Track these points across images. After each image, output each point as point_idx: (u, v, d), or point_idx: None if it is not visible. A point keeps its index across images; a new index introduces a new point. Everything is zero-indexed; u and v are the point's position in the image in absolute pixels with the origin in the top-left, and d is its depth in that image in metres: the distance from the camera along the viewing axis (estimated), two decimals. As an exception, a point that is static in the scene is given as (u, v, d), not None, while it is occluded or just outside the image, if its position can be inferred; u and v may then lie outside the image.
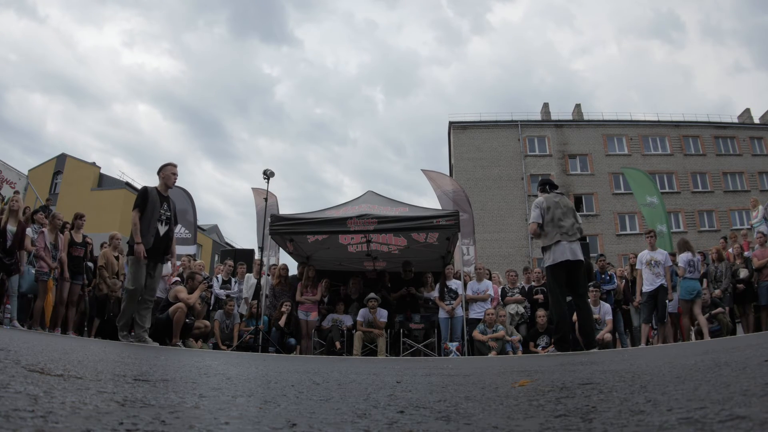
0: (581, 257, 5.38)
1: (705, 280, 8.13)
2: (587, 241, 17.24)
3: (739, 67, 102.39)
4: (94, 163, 31.90)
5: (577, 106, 35.42)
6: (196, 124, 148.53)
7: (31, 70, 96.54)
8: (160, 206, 5.76)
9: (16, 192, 10.40)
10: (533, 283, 8.59)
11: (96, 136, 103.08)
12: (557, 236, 5.33)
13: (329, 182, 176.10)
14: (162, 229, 5.75)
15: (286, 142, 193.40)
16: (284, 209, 10.05)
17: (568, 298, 5.62)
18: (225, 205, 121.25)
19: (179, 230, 11.75)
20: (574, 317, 5.81)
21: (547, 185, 5.82)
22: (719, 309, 7.58)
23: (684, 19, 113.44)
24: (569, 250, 5.30)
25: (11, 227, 6.42)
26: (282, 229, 8.12)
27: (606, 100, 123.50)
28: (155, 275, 5.82)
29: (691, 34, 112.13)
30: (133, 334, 5.72)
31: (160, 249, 5.77)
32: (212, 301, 8.68)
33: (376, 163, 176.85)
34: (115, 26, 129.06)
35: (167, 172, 5.90)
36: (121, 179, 30.25)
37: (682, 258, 7.32)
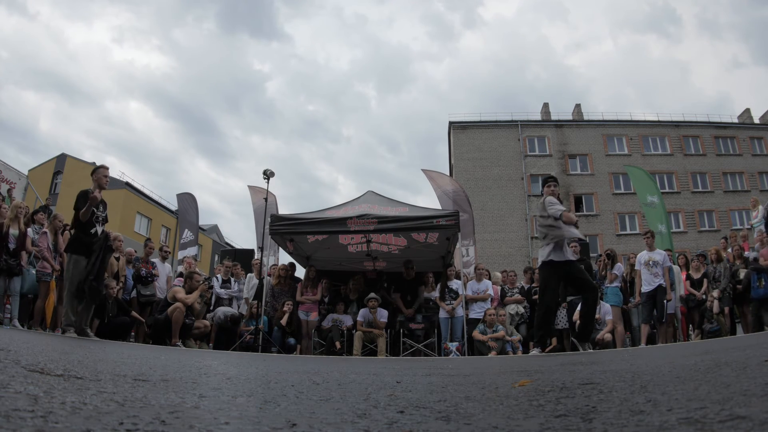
0: (563, 258, 5.43)
1: (705, 281, 8.13)
2: (587, 240, 17.22)
3: (737, 62, 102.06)
4: (94, 163, 31.88)
5: (577, 106, 35.42)
6: (189, 122, 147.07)
7: (23, 67, 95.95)
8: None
9: (10, 189, 10.38)
10: (533, 284, 8.58)
11: (89, 134, 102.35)
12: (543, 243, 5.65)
13: (324, 180, 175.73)
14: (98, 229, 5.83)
15: (279, 140, 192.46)
16: (280, 208, 10.10)
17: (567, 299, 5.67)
18: (220, 204, 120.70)
19: (185, 234, 11.91)
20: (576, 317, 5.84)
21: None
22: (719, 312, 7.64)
23: (680, 13, 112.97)
24: (549, 253, 5.48)
25: (14, 230, 6.47)
26: (282, 229, 8.13)
27: (602, 95, 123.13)
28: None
29: (688, 28, 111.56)
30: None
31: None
32: (213, 301, 8.68)
33: (370, 161, 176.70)
34: (104, 22, 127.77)
35: (99, 174, 5.94)
36: (121, 179, 30.23)
37: (619, 267, 8.13)
